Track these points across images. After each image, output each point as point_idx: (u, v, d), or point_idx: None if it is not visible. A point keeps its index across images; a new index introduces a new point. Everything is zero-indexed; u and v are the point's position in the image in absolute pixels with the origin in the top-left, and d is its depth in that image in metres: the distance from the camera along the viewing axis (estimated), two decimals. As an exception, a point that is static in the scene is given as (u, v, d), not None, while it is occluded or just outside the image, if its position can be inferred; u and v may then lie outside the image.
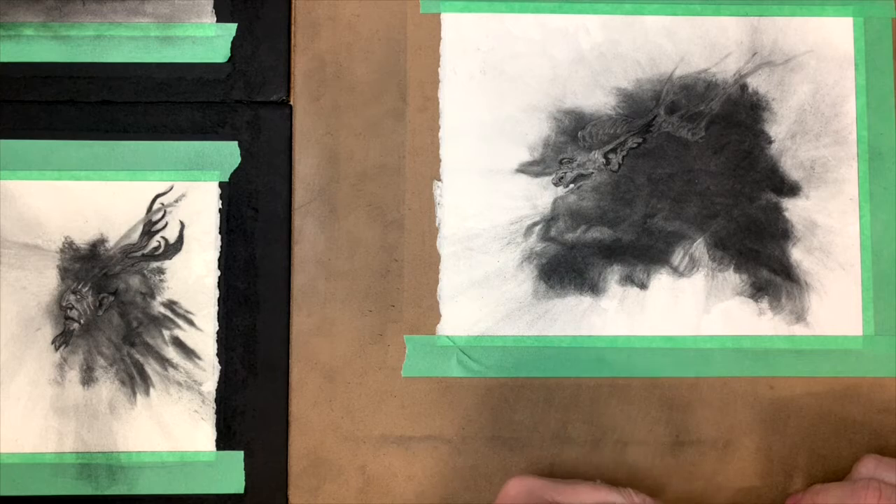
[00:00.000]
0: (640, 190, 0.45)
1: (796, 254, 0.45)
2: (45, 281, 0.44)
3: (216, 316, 0.44)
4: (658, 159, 0.45)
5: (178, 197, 0.45)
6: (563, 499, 0.39)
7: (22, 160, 0.45)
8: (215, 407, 0.44)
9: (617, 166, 0.45)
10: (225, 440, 0.44)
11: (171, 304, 0.44)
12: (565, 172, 0.45)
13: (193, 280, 0.45)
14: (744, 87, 0.46)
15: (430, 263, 0.45)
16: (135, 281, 0.44)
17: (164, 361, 0.44)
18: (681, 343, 0.45)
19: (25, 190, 0.45)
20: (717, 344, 0.45)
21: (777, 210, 0.45)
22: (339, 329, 0.45)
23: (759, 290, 0.45)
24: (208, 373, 0.44)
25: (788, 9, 0.46)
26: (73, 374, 0.44)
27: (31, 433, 0.44)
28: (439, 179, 0.45)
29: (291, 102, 0.46)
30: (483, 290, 0.45)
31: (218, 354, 0.44)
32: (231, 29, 0.46)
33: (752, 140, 0.46)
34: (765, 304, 0.45)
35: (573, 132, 0.46)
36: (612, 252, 0.45)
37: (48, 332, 0.44)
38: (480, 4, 0.46)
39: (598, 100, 0.46)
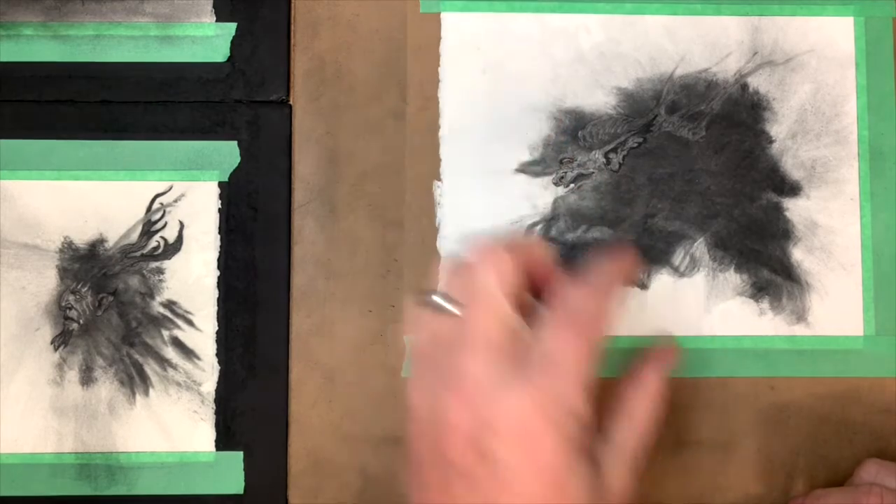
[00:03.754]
0: (640, 190, 0.45)
1: (797, 254, 0.45)
2: (45, 281, 0.44)
3: (216, 316, 0.44)
4: (658, 159, 0.45)
5: (178, 197, 0.45)
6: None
7: (21, 160, 0.45)
8: (215, 407, 0.44)
9: (617, 166, 0.45)
10: (224, 440, 0.44)
11: (170, 305, 0.44)
12: (565, 172, 0.45)
13: (193, 280, 0.44)
14: (744, 86, 0.46)
15: (430, 263, 0.45)
16: (134, 281, 0.44)
17: (164, 362, 0.44)
18: (681, 343, 0.45)
19: (25, 190, 0.45)
20: (718, 344, 0.45)
21: (778, 210, 0.45)
22: (339, 329, 0.45)
23: (759, 291, 0.45)
24: (208, 373, 0.44)
25: (789, 8, 0.46)
26: (73, 375, 0.44)
27: (30, 433, 0.44)
28: (439, 179, 0.45)
29: (291, 102, 0.46)
30: (483, 290, 0.44)
31: (217, 355, 0.44)
32: (231, 28, 0.46)
33: (752, 140, 0.46)
34: (765, 304, 0.45)
35: (573, 132, 0.45)
36: (612, 252, 0.45)
37: (47, 332, 0.44)
38: (480, 4, 0.46)
39: (599, 99, 0.46)
